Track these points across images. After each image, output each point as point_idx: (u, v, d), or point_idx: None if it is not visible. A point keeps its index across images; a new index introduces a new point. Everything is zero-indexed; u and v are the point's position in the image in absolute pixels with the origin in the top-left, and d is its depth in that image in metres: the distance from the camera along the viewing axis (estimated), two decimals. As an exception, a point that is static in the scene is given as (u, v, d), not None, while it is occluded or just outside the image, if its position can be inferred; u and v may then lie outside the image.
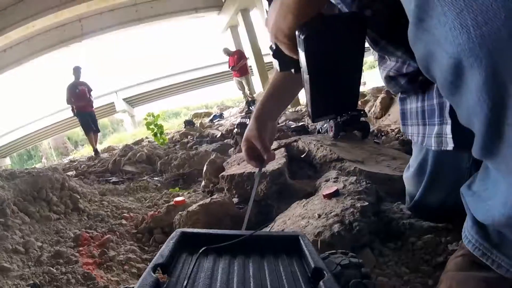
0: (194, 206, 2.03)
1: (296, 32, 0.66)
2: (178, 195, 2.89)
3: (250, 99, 9.49)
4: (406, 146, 3.11)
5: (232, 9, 12.94)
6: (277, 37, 0.77)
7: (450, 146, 0.95)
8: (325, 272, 0.68)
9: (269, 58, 11.93)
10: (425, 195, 1.31)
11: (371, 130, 4.25)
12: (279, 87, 1.26)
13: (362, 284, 0.83)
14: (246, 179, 2.12)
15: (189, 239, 0.84)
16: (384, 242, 1.36)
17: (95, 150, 7.47)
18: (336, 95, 0.72)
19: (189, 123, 7.94)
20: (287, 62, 0.79)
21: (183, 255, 0.79)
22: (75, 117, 8.03)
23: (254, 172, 2.09)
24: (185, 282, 0.67)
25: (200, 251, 0.79)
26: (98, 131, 8.40)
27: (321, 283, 0.64)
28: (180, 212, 2.04)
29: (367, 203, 1.32)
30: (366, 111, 5.23)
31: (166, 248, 0.76)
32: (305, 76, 0.66)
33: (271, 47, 0.86)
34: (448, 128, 0.95)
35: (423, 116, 1.06)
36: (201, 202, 2.06)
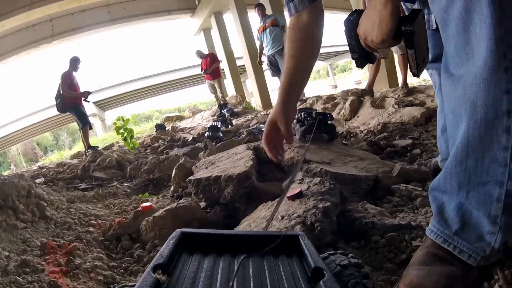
0: (160, 212, 1.99)
1: (402, 28, 0.93)
2: (148, 201, 2.84)
3: (222, 102, 9.43)
4: (374, 147, 3.19)
5: (206, 12, 12.90)
6: (372, 39, 0.98)
7: None
8: (325, 272, 0.68)
9: (241, 62, 11.98)
10: None
11: (340, 132, 4.34)
12: (297, 76, 1.37)
13: (362, 284, 0.84)
14: (213, 183, 2.09)
15: (189, 239, 0.85)
16: (348, 241, 1.38)
17: (89, 146, 7.11)
18: (424, 56, 1.03)
19: (160, 127, 7.79)
20: (364, 58, 1.11)
21: (183, 255, 0.79)
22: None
23: (221, 176, 2.06)
24: (185, 282, 0.67)
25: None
26: (91, 126, 8.03)
27: (321, 283, 0.64)
28: (146, 218, 2.00)
29: (329, 204, 1.32)
30: (336, 113, 5.36)
31: (166, 248, 0.75)
32: (409, 51, 0.97)
33: (353, 50, 1.10)
34: None
35: None
36: (167, 207, 2.03)
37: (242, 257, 0.77)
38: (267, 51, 7.06)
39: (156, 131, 7.61)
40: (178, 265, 0.75)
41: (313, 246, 0.81)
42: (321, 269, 0.69)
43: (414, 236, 1.31)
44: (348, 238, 1.37)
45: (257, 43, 7.53)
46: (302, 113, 2.89)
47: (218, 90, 10.04)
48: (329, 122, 2.86)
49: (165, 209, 2.01)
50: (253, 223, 1.51)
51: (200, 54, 10.02)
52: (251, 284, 0.69)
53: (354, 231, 1.39)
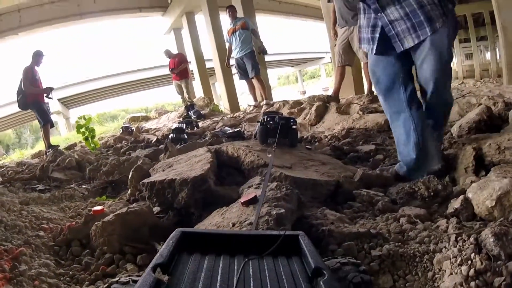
0: (110, 217, 1.87)
1: None
2: (104, 204, 2.69)
3: (189, 103, 9.20)
4: (337, 152, 3.18)
5: (178, 11, 12.63)
6: None
7: None
8: (325, 272, 0.68)
9: (210, 64, 11.81)
10: None
11: (305, 136, 4.32)
12: None
13: (360, 277, 0.86)
14: (167, 186, 1.97)
15: (189, 238, 0.83)
16: None
17: (50, 145, 6.61)
18: None
19: (126, 129, 7.32)
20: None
21: (183, 254, 0.78)
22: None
23: (175, 179, 1.94)
24: (185, 282, 0.67)
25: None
26: (53, 124, 7.48)
27: (321, 282, 0.64)
28: (96, 223, 1.88)
29: (283, 211, 1.24)
30: (302, 118, 5.35)
31: (166, 248, 0.75)
32: None
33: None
34: None
35: None
36: (117, 212, 1.91)
37: (244, 261, 0.77)
38: (235, 53, 6.97)
39: (122, 133, 7.21)
40: (178, 264, 0.74)
41: (313, 246, 0.81)
42: (321, 269, 0.69)
43: (374, 245, 1.25)
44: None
45: (227, 45, 7.43)
46: (265, 117, 2.82)
47: (185, 91, 9.82)
48: (292, 127, 2.81)
49: (115, 213, 1.89)
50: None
51: (168, 53, 9.76)
52: (251, 283, 0.69)
53: (310, 239, 1.32)
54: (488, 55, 23.48)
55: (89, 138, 5.69)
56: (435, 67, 1.93)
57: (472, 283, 1.09)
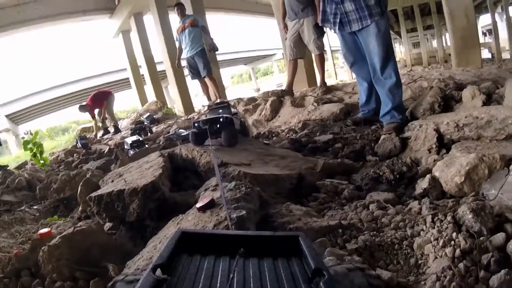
0: (55, 240, 1.63)
1: None
2: (53, 225, 2.45)
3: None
4: (295, 145, 3.11)
5: (125, 12, 12.02)
6: None
7: None
8: (325, 273, 0.67)
9: (161, 67, 11.41)
10: None
11: (261, 132, 4.23)
12: None
13: (367, 282, 0.84)
14: (116, 199, 1.76)
15: (189, 239, 0.82)
16: None
17: None
18: None
19: (85, 146, 6.56)
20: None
21: (183, 255, 0.78)
22: None
23: (124, 190, 1.74)
24: (185, 282, 0.67)
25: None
26: (0, 143, 6.67)
27: (321, 283, 0.64)
28: (43, 248, 1.64)
29: (244, 213, 1.11)
30: (257, 114, 5.26)
31: (166, 248, 0.74)
32: None
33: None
34: None
35: None
36: (64, 233, 1.67)
37: (240, 251, 0.77)
38: (186, 53, 6.68)
39: (79, 147, 6.56)
40: (178, 265, 0.74)
41: (313, 247, 0.81)
42: (321, 270, 0.68)
43: (348, 237, 1.16)
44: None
45: (176, 44, 7.12)
46: (195, 123, 2.69)
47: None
48: (230, 126, 2.67)
49: (61, 235, 1.66)
50: (159, 244, 1.24)
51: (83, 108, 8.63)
52: (251, 284, 0.68)
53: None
54: (434, 43, 24.92)
55: (38, 154, 5.24)
56: (375, 47, 2.73)
57: (460, 265, 1.03)
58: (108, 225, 1.94)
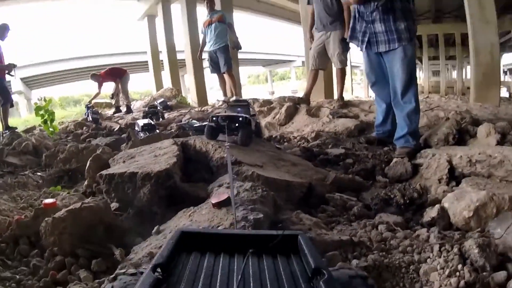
0: (61, 212, 1.64)
1: None
2: (58, 195, 2.45)
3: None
4: (307, 153, 3.12)
5: (154, -3, 12.15)
6: None
7: None
8: (325, 272, 0.66)
9: (181, 55, 11.46)
10: None
11: (273, 136, 4.25)
12: None
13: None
14: (128, 181, 1.78)
15: (189, 238, 0.82)
16: None
17: (7, 127, 5.91)
18: None
19: (95, 121, 6.57)
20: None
21: (182, 254, 0.78)
22: None
23: (137, 173, 1.76)
24: (185, 282, 0.67)
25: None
26: (13, 104, 6.71)
27: (321, 283, 0.63)
28: (46, 219, 1.64)
29: (261, 216, 1.13)
30: (271, 117, 5.28)
31: (166, 248, 0.74)
32: None
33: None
34: None
35: None
36: (70, 207, 1.68)
37: (248, 252, 0.77)
38: (209, 46, 6.75)
39: (90, 121, 6.59)
40: (178, 264, 0.74)
41: (313, 246, 0.80)
42: (321, 269, 0.68)
43: (357, 254, 1.18)
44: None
45: (201, 37, 7.17)
46: (214, 117, 2.67)
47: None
48: (243, 125, 2.63)
49: (67, 209, 1.67)
50: (169, 233, 1.26)
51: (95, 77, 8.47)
52: (251, 284, 0.68)
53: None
54: (454, 74, 24.75)
55: (48, 122, 5.30)
56: (399, 70, 2.77)
57: None
58: (114, 205, 1.94)
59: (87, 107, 7.42)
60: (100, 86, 8.58)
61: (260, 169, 2.02)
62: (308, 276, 0.71)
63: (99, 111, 7.80)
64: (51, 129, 5.24)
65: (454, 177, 2.17)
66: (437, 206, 1.70)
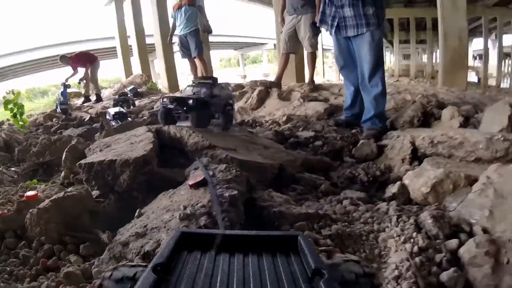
0: (45, 203, 1.68)
1: None
2: (36, 189, 2.43)
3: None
4: (278, 137, 3.24)
5: (121, -19, 11.69)
6: None
7: None
8: (325, 272, 0.66)
9: (151, 40, 11.18)
10: None
11: (246, 120, 4.33)
12: None
13: (363, 270, 0.83)
14: (107, 168, 1.82)
15: (189, 238, 0.82)
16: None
17: None
18: None
19: (64, 112, 6.37)
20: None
21: (183, 254, 0.77)
22: None
23: (115, 160, 1.81)
24: (185, 282, 0.66)
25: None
26: None
27: (321, 283, 0.63)
28: (31, 210, 1.67)
29: (236, 192, 1.23)
30: (243, 102, 5.35)
31: (166, 247, 0.74)
32: None
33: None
34: None
35: None
36: (53, 197, 1.72)
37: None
38: (179, 30, 6.62)
39: (59, 112, 6.38)
40: (178, 264, 0.73)
41: (313, 247, 0.81)
42: (321, 270, 0.68)
43: (323, 225, 1.32)
44: (256, 228, 1.30)
45: (171, 21, 7.03)
46: (163, 99, 2.67)
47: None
48: (205, 108, 2.57)
49: (51, 199, 1.71)
50: (152, 214, 1.34)
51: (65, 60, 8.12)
52: (251, 284, 0.68)
53: (263, 221, 1.33)
54: (424, 58, 25.35)
55: (18, 115, 5.13)
56: (367, 55, 2.88)
57: (417, 259, 1.20)
58: (95, 193, 1.98)
59: (63, 85, 7.19)
60: (74, 68, 8.21)
61: (234, 152, 2.11)
62: (308, 276, 0.71)
63: (68, 101, 7.59)
64: (21, 123, 5.09)
65: (417, 157, 2.32)
66: (398, 183, 1.85)
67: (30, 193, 1.93)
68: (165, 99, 2.55)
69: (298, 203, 1.62)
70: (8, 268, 1.47)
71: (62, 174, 2.63)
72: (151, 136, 2.26)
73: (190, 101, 2.48)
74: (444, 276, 1.15)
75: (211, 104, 2.62)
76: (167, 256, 0.71)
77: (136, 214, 1.50)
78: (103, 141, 2.58)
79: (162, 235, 1.16)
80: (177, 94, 2.88)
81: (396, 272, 1.14)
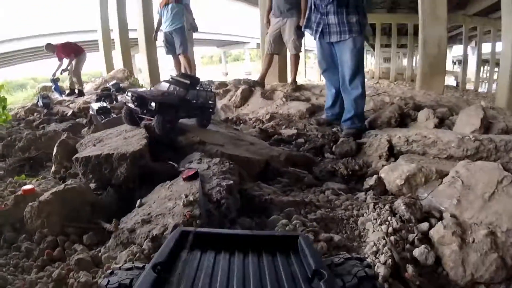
0: (46, 195, 1.71)
1: None
2: (25, 184, 2.44)
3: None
4: (262, 134, 3.38)
5: (106, -28, 11.41)
6: None
7: None
8: (325, 273, 0.69)
9: (134, 34, 11.02)
10: None
11: (230, 118, 4.45)
12: None
13: (364, 272, 0.84)
14: (104, 162, 1.91)
15: (189, 238, 0.83)
16: (251, 217, 1.47)
17: None
18: None
19: (46, 106, 6.22)
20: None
21: (183, 253, 0.79)
22: None
23: (112, 154, 1.90)
24: (185, 281, 0.67)
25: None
26: None
27: (321, 283, 0.66)
28: (30, 204, 1.70)
29: (232, 182, 1.37)
30: (227, 99, 5.44)
31: (166, 247, 0.76)
32: None
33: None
34: None
35: None
36: (53, 190, 1.76)
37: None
38: (165, 27, 6.61)
39: (40, 106, 6.25)
40: (178, 263, 0.75)
41: (313, 247, 0.83)
42: (321, 270, 0.71)
43: (308, 210, 1.49)
44: (250, 214, 1.45)
45: (156, 17, 7.01)
46: (128, 93, 2.47)
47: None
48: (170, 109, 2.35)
49: (51, 191, 1.75)
50: (153, 203, 1.45)
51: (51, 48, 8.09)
52: (251, 284, 0.69)
53: (255, 208, 1.47)
54: (404, 62, 26.03)
55: (0, 109, 5.00)
56: (348, 60, 3.04)
57: (392, 237, 1.40)
58: (92, 185, 2.04)
59: (53, 81, 7.04)
60: (60, 58, 8.02)
61: (222, 147, 2.24)
62: (308, 276, 0.73)
63: (49, 95, 7.45)
64: (3, 117, 4.97)
65: (393, 154, 2.52)
66: (375, 176, 2.05)
67: (27, 187, 1.95)
68: (128, 95, 2.36)
69: (285, 193, 1.78)
70: (12, 261, 1.49)
71: (53, 168, 2.64)
72: (143, 131, 2.35)
73: (153, 104, 2.27)
74: (416, 251, 1.35)
75: (180, 107, 2.43)
76: (167, 255, 0.73)
77: (138, 204, 1.59)
78: (95, 135, 2.64)
79: (169, 219, 1.27)
80: (145, 90, 2.68)
81: (374, 248, 1.33)
